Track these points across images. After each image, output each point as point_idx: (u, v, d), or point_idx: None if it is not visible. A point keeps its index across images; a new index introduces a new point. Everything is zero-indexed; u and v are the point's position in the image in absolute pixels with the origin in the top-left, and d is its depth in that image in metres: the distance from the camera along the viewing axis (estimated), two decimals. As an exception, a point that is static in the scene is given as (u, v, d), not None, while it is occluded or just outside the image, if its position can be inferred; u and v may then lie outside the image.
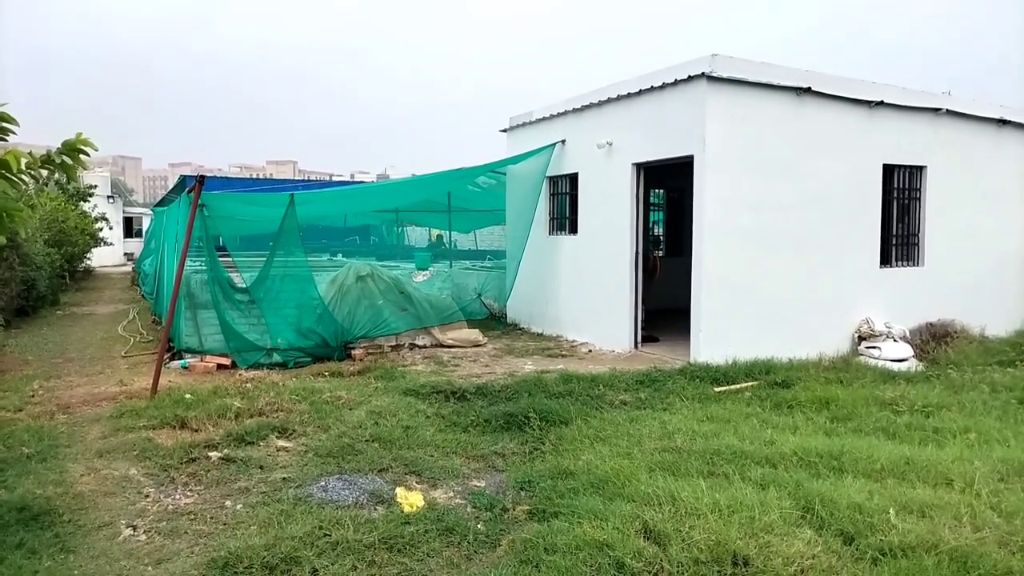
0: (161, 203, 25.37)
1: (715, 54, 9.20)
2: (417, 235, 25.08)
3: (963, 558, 3.81)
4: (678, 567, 3.77)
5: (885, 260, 10.86)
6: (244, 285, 9.92)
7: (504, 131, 14.20)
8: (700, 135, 9.23)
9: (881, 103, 10.37)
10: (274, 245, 9.97)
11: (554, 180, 12.75)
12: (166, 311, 9.10)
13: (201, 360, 9.46)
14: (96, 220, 27.79)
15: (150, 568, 4.03)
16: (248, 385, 8.01)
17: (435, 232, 22.59)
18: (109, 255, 34.22)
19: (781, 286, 9.76)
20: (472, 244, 22.28)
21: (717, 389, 8.07)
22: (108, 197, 36.87)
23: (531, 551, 4.04)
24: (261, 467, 5.57)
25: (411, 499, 4.90)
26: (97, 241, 27.04)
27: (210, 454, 5.78)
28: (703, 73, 9.15)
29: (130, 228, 41.40)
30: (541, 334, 12.48)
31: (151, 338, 11.84)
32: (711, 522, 4.13)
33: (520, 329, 13.10)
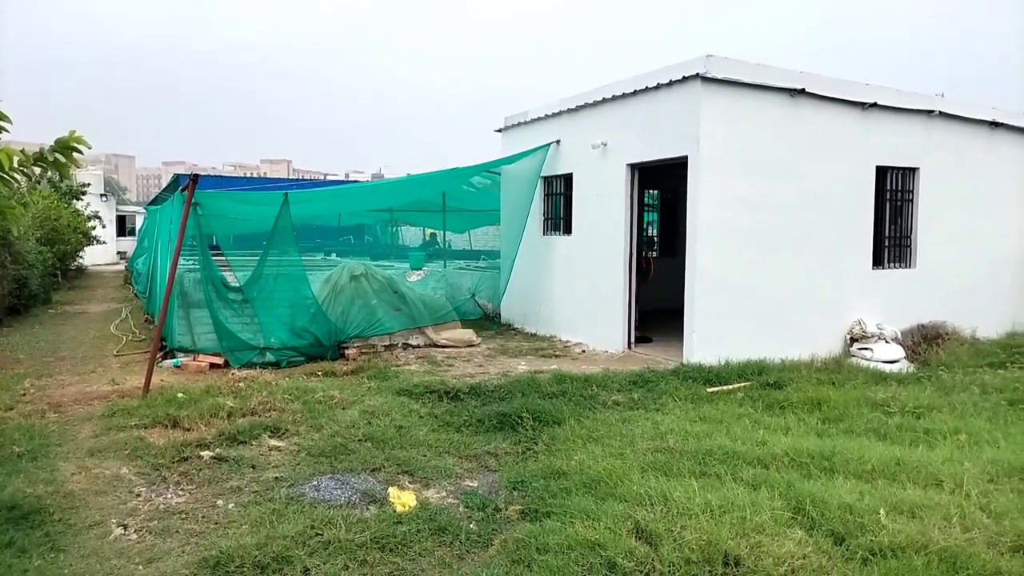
0: (154, 202, 25.30)
1: (710, 55, 9.23)
2: (411, 235, 25.06)
3: (952, 558, 3.83)
4: (670, 567, 3.78)
5: (878, 262, 10.91)
6: (237, 284, 9.90)
7: (499, 131, 14.21)
8: (694, 136, 9.25)
9: (875, 105, 10.41)
10: (268, 244, 9.95)
11: (549, 180, 12.76)
12: (159, 310, 9.07)
13: (194, 359, 9.44)
14: (89, 218, 27.72)
15: (141, 567, 4.01)
16: (241, 384, 7.99)
17: (428, 231, 22.56)
18: (102, 254, 34.11)
19: (774, 287, 9.79)
20: (466, 244, 22.28)
21: (710, 390, 8.09)
22: (101, 195, 36.77)
23: (523, 551, 4.04)
24: (253, 466, 5.56)
25: (404, 499, 4.90)
26: (90, 239, 26.96)
27: (202, 453, 5.77)
28: (698, 74, 9.17)
29: (123, 227, 41.28)
30: (535, 334, 12.49)
31: (144, 337, 11.80)
32: (703, 522, 4.15)
33: (514, 329, 13.10)
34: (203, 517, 4.66)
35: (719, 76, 9.22)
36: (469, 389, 7.85)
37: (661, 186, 15.86)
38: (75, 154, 4.46)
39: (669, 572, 3.75)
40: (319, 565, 3.94)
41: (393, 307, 10.91)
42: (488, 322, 13.48)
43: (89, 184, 32.15)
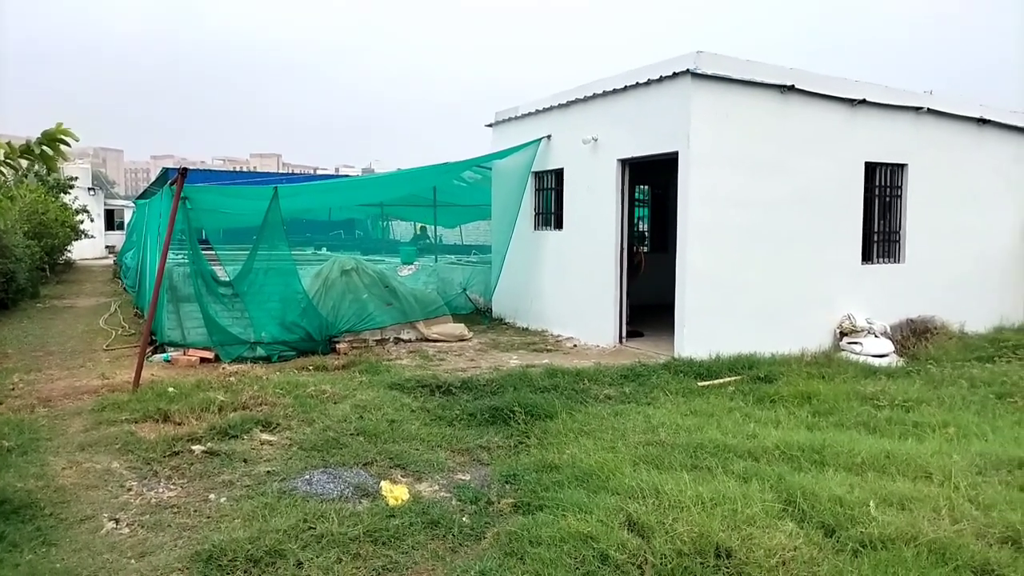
0: (143, 195, 25.12)
1: (700, 51, 9.24)
2: (402, 229, 25.00)
3: (942, 550, 3.87)
4: (661, 559, 3.80)
5: (867, 257, 10.98)
6: (227, 278, 9.85)
7: (490, 126, 14.19)
8: (685, 132, 9.27)
9: (863, 101, 10.46)
10: (258, 238, 9.90)
11: (539, 175, 12.76)
12: (148, 304, 9.02)
13: (184, 353, 9.39)
14: (77, 212, 27.48)
15: (133, 561, 4.00)
16: (232, 379, 7.96)
17: (419, 225, 22.52)
18: (90, 248, 33.87)
19: (764, 282, 9.84)
20: (458, 239, 22.24)
21: (701, 384, 8.13)
22: (89, 189, 36.49)
23: (516, 543, 4.05)
24: (245, 461, 5.55)
25: (396, 492, 4.90)
26: (78, 234, 26.74)
27: (193, 447, 5.75)
28: (688, 70, 9.19)
29: (111, 221, 41.00)
30: (526, 329, 12.50)
31: (133, 331, 11.73)
32: (694, 515, 4.17)
33: (505, 324, 13.11)
34: (195, 511, 4.65)
35: (709, 72, 9.24)
36: (461, 383, 7.85)
37: (652, 181, 15.89)
38: (62, 147, 4.42)
39: (661, 564, 3.77)
40: (312, 559, 3.94)
41: (384, 302, 10.89)
42: (479, 317, 13.48)
43: (77, 178, 31.89)
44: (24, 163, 4.55)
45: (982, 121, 11.84)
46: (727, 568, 3.75)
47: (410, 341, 10.99)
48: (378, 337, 10.80)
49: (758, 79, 9.59)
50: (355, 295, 10.60)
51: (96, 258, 34.96)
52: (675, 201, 9.69)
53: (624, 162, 10.60)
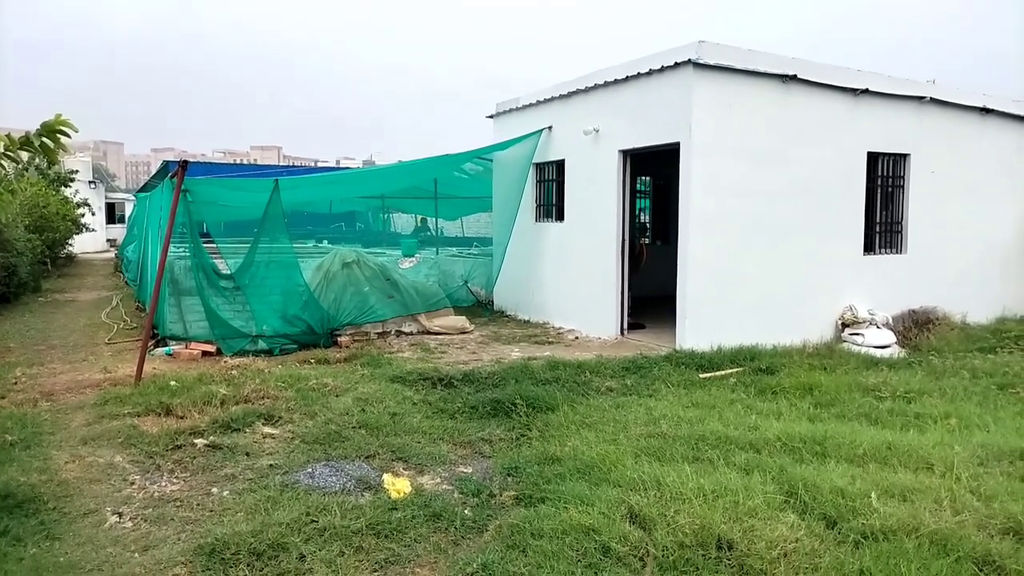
0: (144, 189, 25.09)
1: (702, 41, 9.19)
2: (403, 222, 24.97)
3: (943, 541, 3.87)
4: (663, 551, 3.81)
5: (869, 247, 10.95)
6: (229, 271, 9.85)
7: (491, 117, 14.14)
8: (687, 122, 9.23)
9: (866, 91, 10.41)
10: (259, 231, 9.89)
11: (541, 167, 12.73)
12: (150, 298, 9.02)
13: (186, 347, 9.41)
14: (78, 206, 27.47)
15: (136, 555, 4.01)
16: (234, 372, 7.97)
17: (420, 217, 22.48)
18: (91, 241, 33.86)
19: (766, 273, 9.82)
20: (459, 231, 22.22)
21: (702, 375, 8.13)
22: (90, 182, 36.45)
23: (518, 536, 4.06)
24: (247, 454, 5.56)
25: (398, 485, 4.91)
26: (79, 227, 26.72)
27: (196, 441, 5.76)
28: (690, 60, 9.14)
29: (112, 214, 40.97)
30: (528, 321, 12.50)
31: (135, 325, 11.74)
32: (696, 506, 4.18)
33: (507, 316, 13.11)
34: (198, 505, 4.66)
35: (711, 62, 9.19)
36: (463, 376, 7.86)
37: (653, 172, 15.85)
38: (62, 138, 4.41)
39: (663, 556, 3.78)
40: (315, 552, 3.95)
41: (386, 294, 10.89)
42: (481, 309, 13.47)
43: (78, 171, 31.84)
44: (24, 156, 4.53)
45: (985, 110, 11.79)
46: (728, 560, 3.75)
47: (411, 334, 11.00)
48: (379, 330, 10.81)
49: (760, 69, 9.54)
50: (356, 288, 10.59)
51: (97, 252, 34.97)
52: (677, 192, 9.66)
53: (626, 153, 10.57)
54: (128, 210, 36.63)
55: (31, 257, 15.97)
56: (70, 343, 10.35)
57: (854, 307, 10.35)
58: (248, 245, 10.00)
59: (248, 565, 3.83)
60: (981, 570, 3.68)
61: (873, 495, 4.37)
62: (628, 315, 10.95)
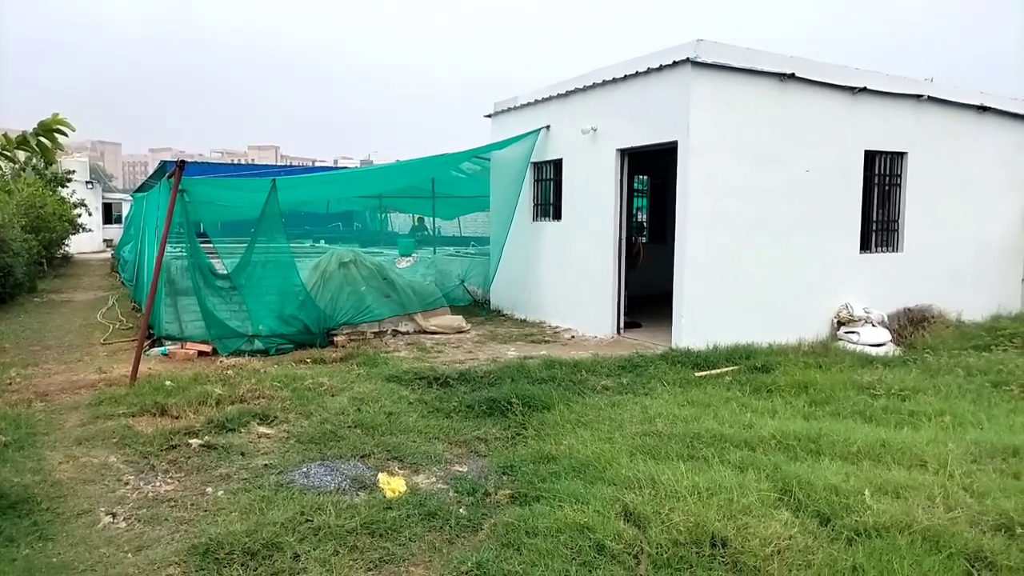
0: (141, 189, 25.08)
1: (700, 39, 9.20)
2: (400, 221, 24.97)
3: (936, 537, 3.88)
4: (657, 549, 3.81)
5: (865, 246, 10.96)
6: (225, 271, 9.84)
7: (489, 116, 14.14)
8: (684, 121, 9.24)
9: (864, 89, 10.42)
10: (256, 231, 9.88)
11: (538, 166, 12.73)
12: (146, 298, 9.01)
13: (182, 347, 9.40)
14: (75, 206, 27.42)
15: (130, 555, 4.01)
16: (229, 372, 7.96)
17: (416, 216, 22.48)
18: (88, 242, 33.81)
19: (763, 272, 9.83)
20: (456, 230, 22.22)
21: (698, 374, 8.13)
22: (87, 183, 36.38)
23: (513, 534, 4.06)
24: (242, 454, 5.55)
25: (393, 484, 4.91)
26: (76, 227, 26.70)
27: (191, 441, 5.75)
28: (688, 58, 9.15)
29: (109, 214, 40.92)
30: (524, 320, 12.50)
31: (131, 325, 11.73)
32: (690, 504, 4.18)
33: (503, 315, 13.11)
34: (192, 505, 4.65)
35: (709, 61, 9.20)
36: (459, 375, 7.86)
37: (651, 171, 15.86)
38: (59, 138, 4.41)
39: (657, 554, 3.78)
40: (309, 551, 3.95)
41: (382, 294, 10.88)
42: (478, 308, 13.48)
43: (74, 171, 31.80)
44: (21, 155, 4.53)
45: (982, 108, 11.80)
46: (722, 557, 3.76)
47: (408, 333, 11.00)
48: (376, 329, 10.80)
49: (758, 67, 9.54)
50: (353, 287, 10.59)
51: (94, 252, 34.91)
52: (674, 191, 9.66)
53: (623, 152, 10.57)
54: (125, 210, 36.63)
55: (27, 257, 15.95)
56: (65, 343, 10.34)
57: (850, 305, 10.36)
58: (245, 245, 9.99)
59: (242, 565, 3.83)
60: (973, 566, 3.69)
61: (867, 492, 4.38)
62: (624, 314, 10.96)
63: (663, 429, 5.88)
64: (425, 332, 11.05)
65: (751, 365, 8.51)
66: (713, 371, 8.27)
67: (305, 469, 5.16)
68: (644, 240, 15.30)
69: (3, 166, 4.51)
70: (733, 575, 3.64)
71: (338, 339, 10.12)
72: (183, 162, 8.94)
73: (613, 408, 6.68)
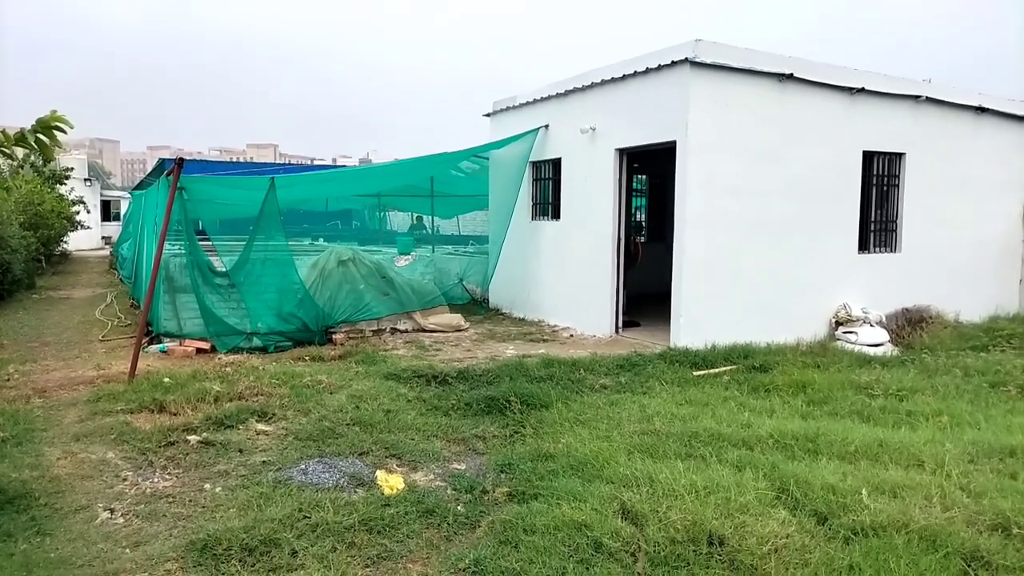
0: (139, 186, 25.00)
1: (698, 39, 9.20)
2: (399, 220, 24.95)
3: (932, 537, 3.90)
4: (655, 546, 3.82)
5: (863, 246, 10.98)
6: (224, 269, 9.84)
7: (488, 115, 14.14)
8: (683, 120, 9.25)
9: (862, 90, 10.44)
10: (254, 229, 9.88)
11: (537, 165, 12.73)
12: (144, 295, 9.01)
13: (180, 344, 9.39)
14: (73, 203, 27.39)
15: (128, 551, 4.01)
16: (228, 369, 7.96)
17: (415, 215, 22.47)
18: (86, 239, 33.78)
19: (761, 272, 9.84)
20: (455, 229, 22.21)
21: (696, 373, 8.14)
22: (85, 180, 36.35)
23: (510, 532, 4.07)
24: (241, 450, 5.56)
25: (391, 482, 4.91)
26: (74, 224, 26.66)
27: (189, 438, 5.76)
28: (686, 58, 9.15)
29: (108, 212, 40.90)
30: (523, 319, 12.51)
31: (129, 322, 11.73)
32: (688, 503, 4.19)
33: (502, 314, 13.12)
34: (190, 501, 4.66)
35: (708, 61, 9.21)
36: (457, 373, 7.86)
37: (650, 171, 15.87)
38: (58, 135, 4.40)
39: (654, 552, 3.79)
40: (307, 547, 3.95)
41: (381, 292, 10.89)
42: (476, 307, 13.48)
43: (73, 168, 31.78)
44: (20, 152, 4.53)
45: (980, 109, 11.82)
46: (720, 555, 3.77)
47: (407, 331, 11.00)
48: (375, 327, 10.80)
49: (757, 68, 9.55)
50: (352, 285, 10.59)
51: (92, 249, 34.87)
52: (673, 191, 9.67)
53: (622, 151, 10.58)
54: (123, 208, 36.60)
55: (25, 254, 15.93)
56: (64, 340, 10.33)
57: (848, 305, 10.37)
58: (244, 243, 9.99)
59: (240, 561, 3.83)
60: (969, 566, 3.71)
61: (864, 492, 4.39)
62: (623, 313, 10.97)
63: (661, 428, 5.89)
64: (424, 330, 11.05)
65: (749, 365, 8.53)
66: (711, 370, 8.28)
67: (303, 466, 5.16)
68: (643, 239, 15.32)
69: (1, 163, 4.49)
70: (730, 573, 3.65)
71: (337, 337, 10.12)
72: (182, 160, 8.94)
73: (611, 407, 6.69)
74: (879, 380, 7.71)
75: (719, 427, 5.87)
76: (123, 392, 6.96)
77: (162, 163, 15.07)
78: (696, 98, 9.22)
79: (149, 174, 19.80)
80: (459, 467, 5.36)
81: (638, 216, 16.41)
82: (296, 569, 3.77)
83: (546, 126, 12.30)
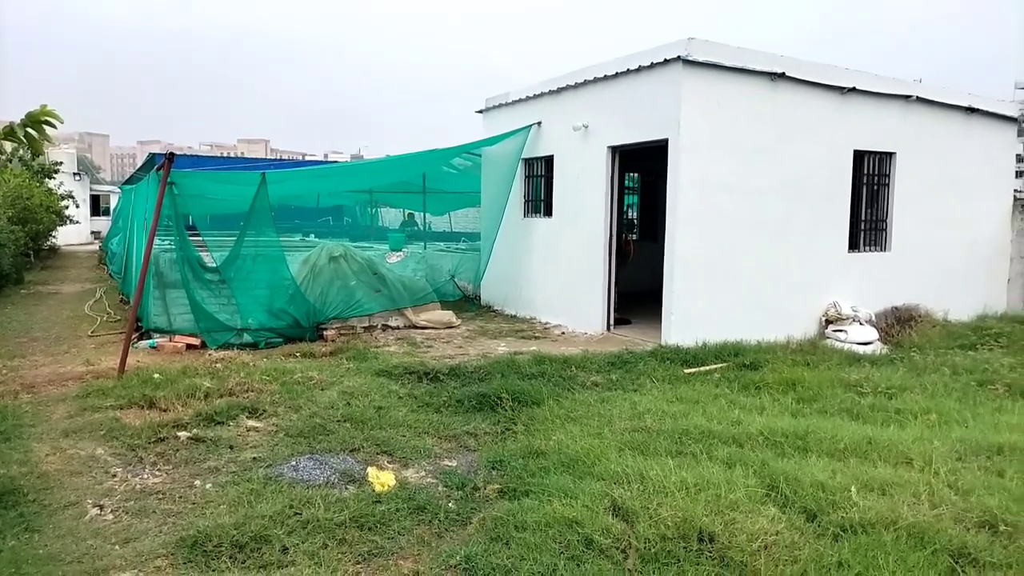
0: (129, 181, 24.90)
1: (691, 38, 9.22)
2: (391, 216, 24.90)
3: (921, 534, 3.92)
4: (645, 543, 3.83)
5: (854, 245, 11.04)
6: (214, 264, 9.80)
7: (480, 112, 14.12)
8: (675, 119, 9.26)
9: (853, 89, 10.48)
10: (245, 224, 9.83)
11: (529, 162, 12.73)
12: (134, 290, 8.96)
13: (170, 340, 9.34)
14: (62, 198, 27.17)
15: (117, 547, 3.99)
16: (218, 365, 7.93)
17: (407, 212, 22.43)
18: (75, 234, 33.54)
19: (752, 270, 9.88)
20: (446, 226, 22.19)
21: (687, 370, 8.17)
22: (74, 174, 36.07)
23: (501, 528, 4.07)
24: (231, 447, 5.54)
25: (382, 478, 4.91)
26: (63, 219, 26.46)
27: (179, 434, 5.73)
28: (679, 57, 9.17)
29: (97, 206, 40.60)
30: (515, 316, 12.51)
31: (119, 318, 11.66)
32: (678, 500, 4.21)
33: (494, 311, 13.11)
34: (180, 497, 4.64)
35: (700, 59, 9.22)
36: (449, 370, 7.86)
37: (642, 169, 15.89)
38: (48, 130, 4.37)
39: (645, 548, 3.80)
40: (298, 544, 3.94)
41: (372, 288, 10.86)
42: (468, 304, 13.47)
43: (62, 163, 31.51)
44: (8, 147, 4.49)
45: (970, 110, 11.90)
46: (710, 552, 3.78)
47: (398, 328, 10.99)
48: (366, 324, 10.78)
49: (749, 66, 9.58)
50: (343, 282, 10.56)
51: (81, 244, 34.63)
52: (665, 189, 9.69)
53: (614, 149, 10.59)
54: (113, 202, 36.34)
55: (14, 249, 15.79)
56: (52, 335, 10.26)
57: (838, 304, 10.43)
58: (234, 238, 9.94)
59: (230, 557, 3.82)
60: (957, 562, 3.74)
61: (853, 489, 4.42)
62: (615, 310, 10.98)
63: (652, 425, 5.91)
64: (415, 327, 11.04)
65: (740, 362, 8.56)
66: (702, 368, 8.31)
67: (294, 463, 5.15)
68: (635, 237, 15.34)
69: (-11, 157, 4.45)
70: (720, 570, 3.67)
71: (328, 333, 10.09)
72: (172, 154, 8.87)
73: (602, 404, 6.70)
74: (868, 378, 7.76)
75: (710, 424, 5.90)
76: (112, 388, 6.92)
77: (152, 157, 15.02)
78: (688, 96, 9.24)
79: (139, 169, 19.71)
80: (450, 464, 5.36)
81: (630, 214, 16.44)
82: (287, 566, 3.76)
83: (539, 123, 12.29)
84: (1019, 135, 12.94)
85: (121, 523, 4.29)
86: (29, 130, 4.31)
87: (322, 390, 7.00)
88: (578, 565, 3.69)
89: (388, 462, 5.32)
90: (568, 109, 11.41)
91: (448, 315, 11.49)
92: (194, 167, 14.20)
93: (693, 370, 8.20)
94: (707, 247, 9.55)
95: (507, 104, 13.20)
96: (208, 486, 4.81)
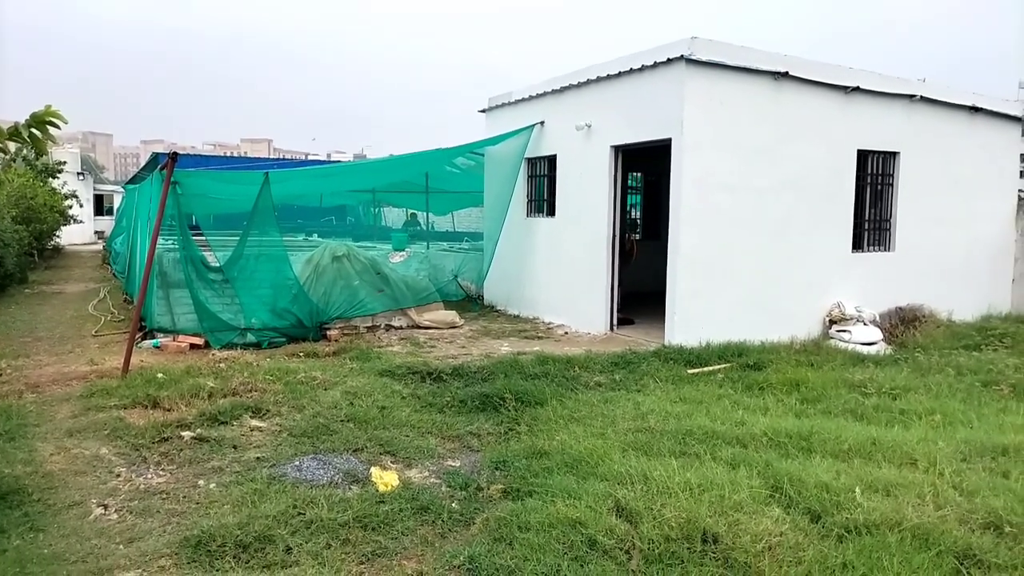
0: (133, 180, 24.94)
1: (694, 37, 9.20)
2: (394, 216, 24.91)
3: (925, 535, 3.91)
4: (649, 544, 3.83)
5: (857, 245, 11.01)
6: (218, 264, 9.81)
7: (483, 111, 14.12)
8: (678, 118, 9.25)
9: (857, 89, 10.46)
10: (248, 224, 9.85)
11: (532, 162, 12.72)
12: (138, 290, 8.97)
13: (174, 340, 9.36)
14: (66, 197, 27.24)
15: (122, 547, 4.00)
16: (222, 365, 7.94)
17: (409, 211, 22.43)
18: (79, 233, 33.61)
19: (755, 270, 9.86)
20: (449, 226, 22.19)
21: (690, 371, 8.16)
22: (78, 174, 36.15)
23: (505, 529, 4.07)
24: (235, 447, 5.54)
25: (386, 479, 4.91)
26: (67, 219, 26.51)
27: (183, 434, 5.74)
28: (682, 56, 9.15)
29: (101, 206, 40.70)
30: (518, 316, 12.51)
31: (122, 317, 11.68)
32: (682, 500, 4.20)
33: (497, 311, 13.11)
34: (184, 497, 4.64)
35: (703, 58, 9.21)
36: (452, 370, 7.86)
37: (645, 168, 15.87)
38: (51, 129, 4.38)
39: (649, 549, 3.80)
40: (301, 544, 3.95)
41: (376, 288, 10.86)
42: (471, 304, 13.47)
43: (66, 162, 31.58)
44: (12, 147, 4.50)
45: (974, 109, 11.86)
46: (714, 553, 3.78)
47: (401, 328, 10.99)
48: (369, 324, 10.79)
49: (752, 65, 9.56)
50: (346, 282, 10.57)
51: (85, 243, 34.72)
52: (668, 188, 9.68)
53: (617, 148, 10.58)
54: (116, 202, 36.43)
55: (18, 248, 15.84)
56: (56, 335, 10.28)
57: (842, 304, 10.40)
58: (238, 238, 9.96)
59: (234, 557, 3.83)
60: (962, 564, 3.73)
61: (857, 490, 4.41)
62: (618, 310, 10.97)
63: (655, 425, 5.90)
64: (418, 327, 11.04)
65: (743, 363, 8.55)
66: (705, 368, 8.29)
67: (298, 462, 5.16)
68: (638, 237, 15.33)
69: (-6, 156, 4.45)
70: (724, 571, 3.66)
71: (331, 333, 10.10)
72: (175, 154, 8.88)
73: (606, 404, 6.69)
74: (872, 379, 7.74)
75: (713, 425, 5.89)
76: (116, 388, 6.93)
77: (156, 157, 15.04)
78: (691, 95, 9.23)
79: (143, 168, 19.74)
80: (454, 464, 5.36)
81: (633, 213, 16.42)
82: (291, 566, 3.76)
83: (542, 123, 12.29)
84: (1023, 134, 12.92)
85: (125, 523, 4.29)
86: (33, 130, 4.32)
87: (325, 390, 7.00)
88: (582, 566, 3.69)
89: (392, 462, 5.32)
90: (571, 108, 11.40)
91: (451, 315, 11.49)
92: (197, 167, 14.21)
93: (697, 370, 8.19)
94: (710, 247, 9.54)
95: (510, 103, 13.19)
96: (212, 486, 4.82)
